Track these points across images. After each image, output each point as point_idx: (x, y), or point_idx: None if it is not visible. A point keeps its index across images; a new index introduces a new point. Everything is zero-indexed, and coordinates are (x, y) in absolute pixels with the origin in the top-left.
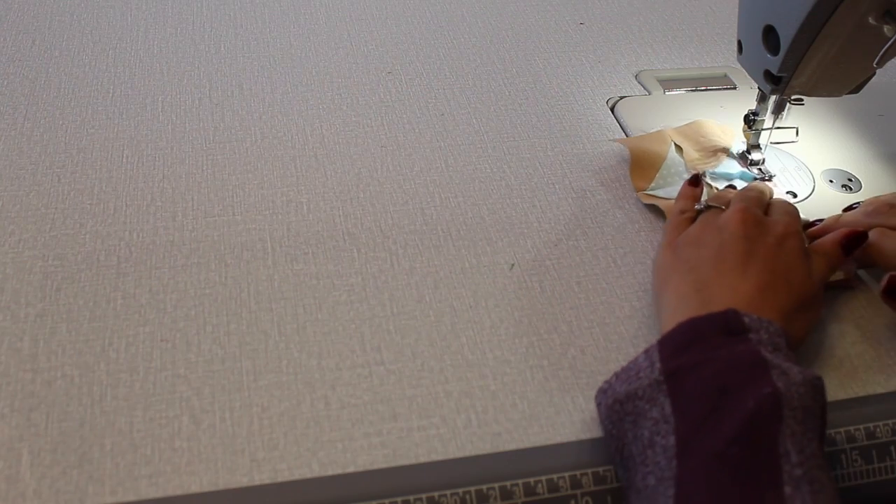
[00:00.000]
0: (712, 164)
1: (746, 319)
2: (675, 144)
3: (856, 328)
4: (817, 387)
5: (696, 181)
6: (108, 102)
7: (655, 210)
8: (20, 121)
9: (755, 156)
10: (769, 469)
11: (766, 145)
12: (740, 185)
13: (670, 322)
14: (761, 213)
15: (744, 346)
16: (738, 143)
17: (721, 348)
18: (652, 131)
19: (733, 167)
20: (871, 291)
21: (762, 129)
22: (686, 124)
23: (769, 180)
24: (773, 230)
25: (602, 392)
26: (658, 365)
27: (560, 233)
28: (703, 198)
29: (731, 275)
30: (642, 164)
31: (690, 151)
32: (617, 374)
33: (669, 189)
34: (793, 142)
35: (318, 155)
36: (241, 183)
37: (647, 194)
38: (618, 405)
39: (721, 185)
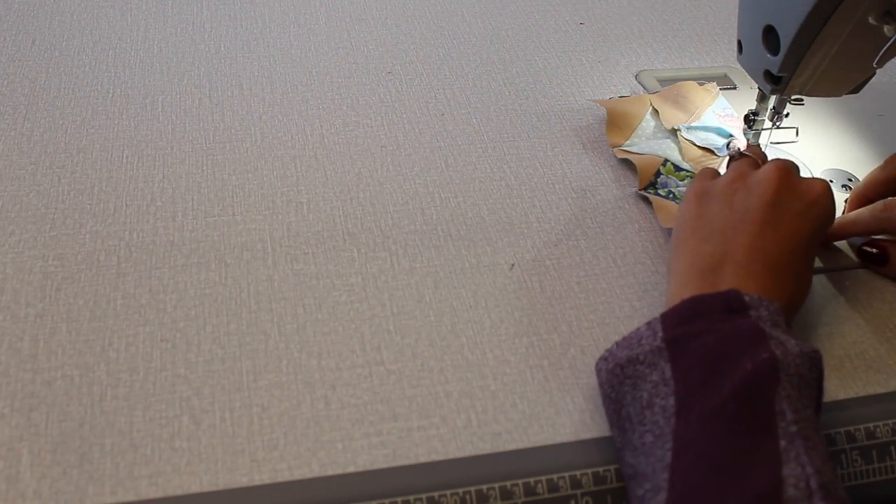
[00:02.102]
0: (691, 121)
1: (747, 298)
2: (654, 108)
3: (856, 328)
4: (814, 360)
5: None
6: (108, 102)
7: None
8: (20, 121)
9: None
10: (765, 424)
11: (766, 145)
12: (716, 139)
13: (676, 295)
14: (797, 176)
15: (744, 320)
16: (722, 100)
17: (722, 322)
18: (632, 96)
19: (710, 121)
20: (871, 291)
21: (762, 129)
22: (666, 88)
23: None
24: (804, 195)
25: (603, 359)
26: (660, 333)
27: (560, 233)
28: (678, 156)
29: (744, 251)
30: (618, 124)
31: (670, 113)
32: (618, 343)
33: (644, 146)
34: (793, 142)
35: (318, 155)
36: (241, 183)
37: (621, 150)
38: (618, 369)
39: (697, 139)
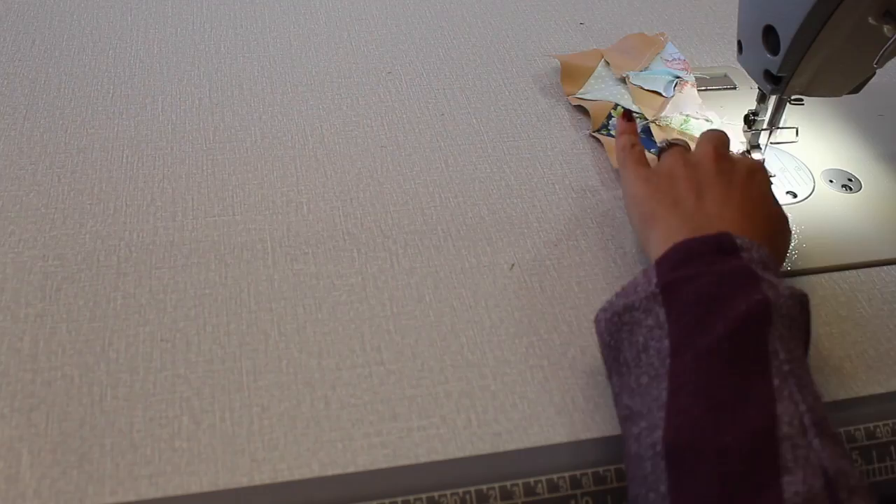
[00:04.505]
0: (639, 68)
1: (738, 241)
2: (605, 60)
3: (856, 328)
4: (803, 302)
5: (629, 117)
6: (108, 102)
7: None
8: (20, 121)
9: (755, 156)
10: (759, 362)
11: (766, 145)
12: (663, 81)
13: (663, 249)
14: (728, 151)
15: (736, 261)
16: (670, 46)
17: (715, 264)
18: (586, 51)
19: (658, 67)
20: (871, 291)
21: (762, 129)
22: (617, 42)
23: None
24: (742, 164)
25: (602, 310)
26: (654, 279)
27: (560, 233)
28: (629, 100)
29: (715, 204)
30: (572, 74)
31: (620, 62)
32: (616, 293)
33: (597, 93)
34: (793, 142)
35: (318, 155)
36: (241, 183)
37: (576, 97)
38: (616, 317)
39: (644, 83)
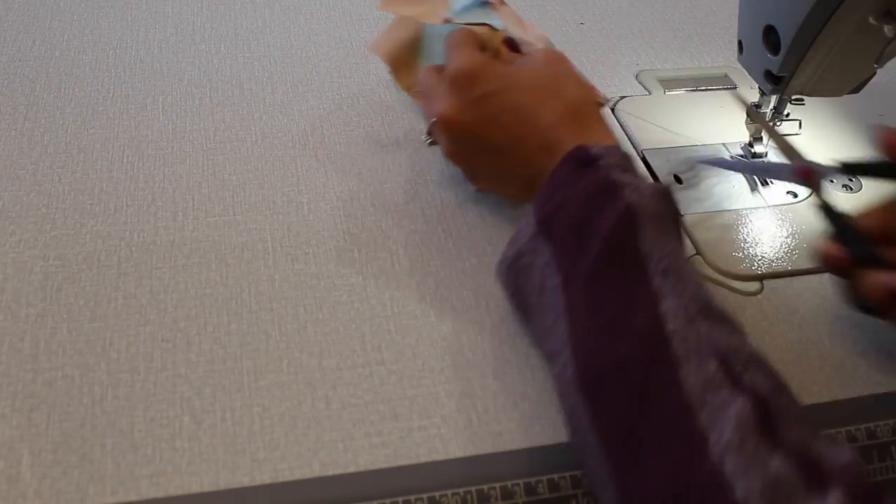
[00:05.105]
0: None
1: (593, 150)
2: (420, 22)
3: (856, 328)
4: (667, 194)
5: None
6: (108, 102)
7: None
8: (20, 121)
9: (758, 148)
10: (635, 269)
11: (768, 143)
12: (477, 10)
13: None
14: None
15: (594, 172)
16: None
17: (577, 183)
18: (395, 20)
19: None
20: None
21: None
22: None
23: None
24: (466, 78)
25: (498, 264)
26: (532, 218)
27: None
28: None
29: (518, 124)
30: (403, 62)
31: (430, 12)
32: (508, 243)
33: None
34: (796, 134)
35: (318, 155)
36: (241, 183)
37: (418, 92)
38: (510, 267)
39: (472, 20)
